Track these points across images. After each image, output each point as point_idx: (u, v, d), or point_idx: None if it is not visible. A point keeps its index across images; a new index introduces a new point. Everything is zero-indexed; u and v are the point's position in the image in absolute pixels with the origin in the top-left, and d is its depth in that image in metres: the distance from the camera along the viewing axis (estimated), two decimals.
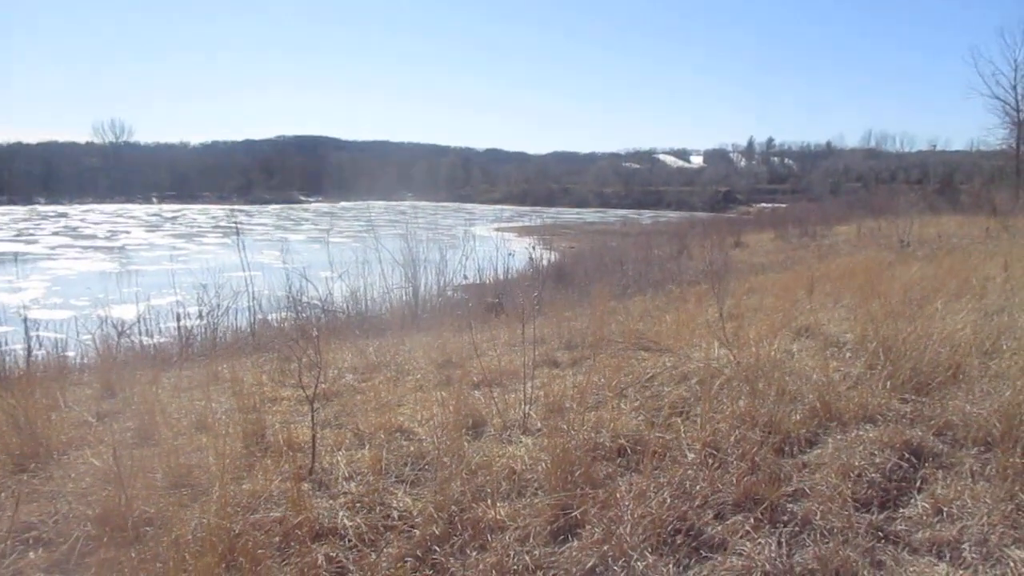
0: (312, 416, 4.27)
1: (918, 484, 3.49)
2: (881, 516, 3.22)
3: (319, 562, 3.01)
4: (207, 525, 3.17)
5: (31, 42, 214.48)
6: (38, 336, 9.97)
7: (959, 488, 3.40)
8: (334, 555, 3.07)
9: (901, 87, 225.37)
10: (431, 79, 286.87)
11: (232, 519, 3.23)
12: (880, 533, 3.10)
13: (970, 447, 3.81)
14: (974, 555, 2.93)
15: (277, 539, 3.20)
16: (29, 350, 9.23)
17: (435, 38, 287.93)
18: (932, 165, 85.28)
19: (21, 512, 3.72)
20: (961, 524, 3.12)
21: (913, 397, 4.40)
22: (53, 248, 38.94)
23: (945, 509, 3.24)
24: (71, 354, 9.91)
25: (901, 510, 3.30)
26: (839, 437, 3.97)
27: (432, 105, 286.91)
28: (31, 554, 3.34)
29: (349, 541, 3.20)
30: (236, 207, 76.36)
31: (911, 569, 2.85)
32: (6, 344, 9.36)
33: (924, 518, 3.21)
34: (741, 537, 3.06)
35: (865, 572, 2.82)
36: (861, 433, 3.97)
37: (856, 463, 3.61)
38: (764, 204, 73.27)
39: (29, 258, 33.55)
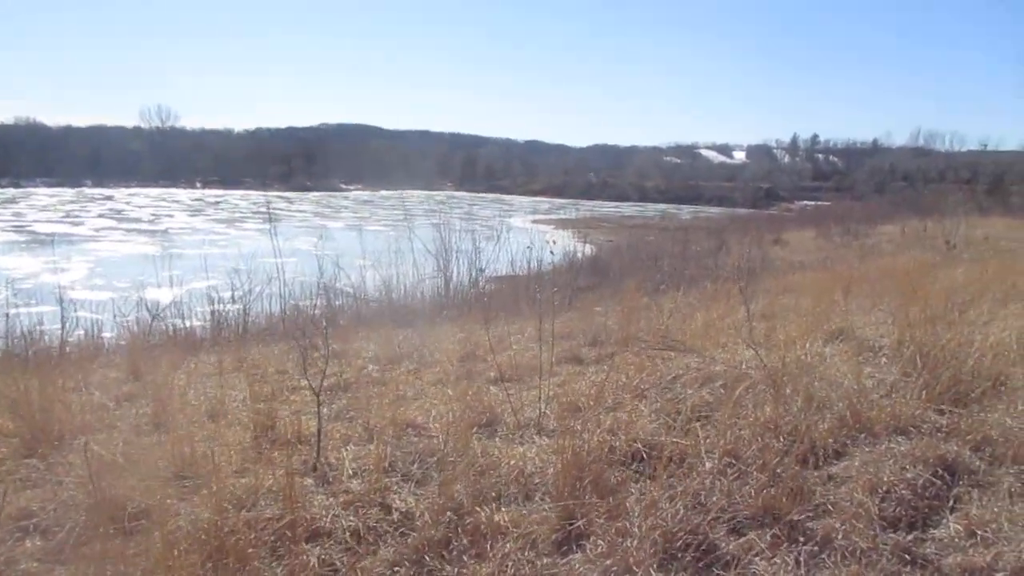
0: (319, 410, 4.17)
1: (951, 503, 3.25)
2: (909, 537, 3.00)
3: (311, 564, 2.90)
4: (198, 520, 3.08)
5: (81, 26, 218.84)
6: (76, 317, 10.11)
7: (996, 509, 3.15)
8: (326, 557, 2.96)
9: (952, 85, 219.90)
10: (473, 70, 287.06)
11: (225, 515, 3.13)
12: (907, 556, 2.88)
13: (1010, 465, 3.54)
14: None
15: (272, 537, 3.09)
16: (63, 331, 9.34)
17: (477, 29, 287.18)
18: (983, 165, 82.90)
19: (23, 498, 3.68)
20: (996, 549, 2.88)
21: (950, 408, 4.14)
22: (98, 230, 39.70)
23: (979, 532, 3.00)
24: (108, 335, 10.02)
25: (931, 531, 3.08)
26: (868, 449, 3.74)
27: (473, 96, 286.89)
28: (28, 542, 3.28)
29: (345, 543, 3.08)
30: (277, 194, 77.31)
31: None
32: (43, 324, 9.44)
33: (956, 541, 2.98)
34: (756, 555, 2.87)
35: None
36: (892, 446, 3.74)
37: (885, 478, 3.38)
38: (807, 202, 72.10)
39: (75, 239, 34.28)
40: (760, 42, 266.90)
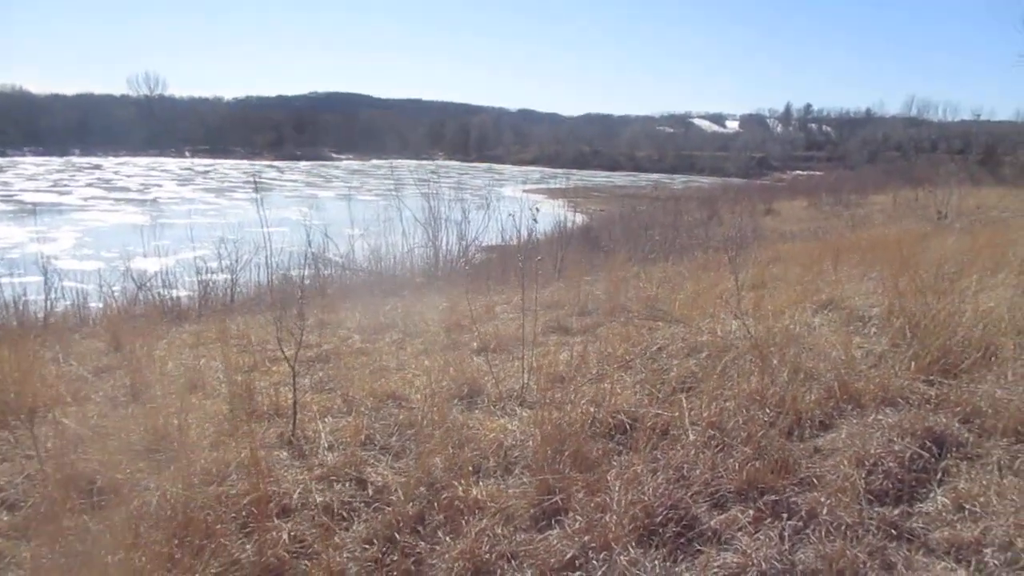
0: (294, 381, 4.07)
1: (939, 477, 3.18)
2: (896, 511, 2.93)
3: (281, 540, 2.81)
4: (166, 496, 2.99)
5: None
6: (61, 287, 9.94)
7: (984, 483, 3.07)
8: (297, 533, 2.87)
9: (946, 54, 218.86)
10: (465, 38, 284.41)
11: (194, 490, 3.03)
12: (893, 530, 2.81)
13: (999, 437, 3.46)
14: (996, 560, 2.63)
15: (242, 513, 2.99)
16: (47, 301, 9.20)
17: None
18: (975, 135, 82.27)
19: None
20: (984, 524, 2.81)
21: (939, 379, 4.06)
22: (86, 200, 39.24)
23: (967, 506, 2.93)
24: (95, 305, 9.88)
25: (918, 505, 3.00)
26: (855, 421, 3.67)
27: (465, 65, 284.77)
28: None
29: (317, 518, 2.99)
30: (267, 163, 76.67)
31: (924, 573, 2.58)
32: (28, 295, 9.31)
33: (943, 515, 2.91)
34: (739, 530, 2.80)
35: (872, 574, 2.56)
36: (880, 417, 3.66)
37: (872, 451, 3.31)
38: (799, 171, 71.91)
39: (63, 209, 33.91)
40: (754, 10, 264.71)
